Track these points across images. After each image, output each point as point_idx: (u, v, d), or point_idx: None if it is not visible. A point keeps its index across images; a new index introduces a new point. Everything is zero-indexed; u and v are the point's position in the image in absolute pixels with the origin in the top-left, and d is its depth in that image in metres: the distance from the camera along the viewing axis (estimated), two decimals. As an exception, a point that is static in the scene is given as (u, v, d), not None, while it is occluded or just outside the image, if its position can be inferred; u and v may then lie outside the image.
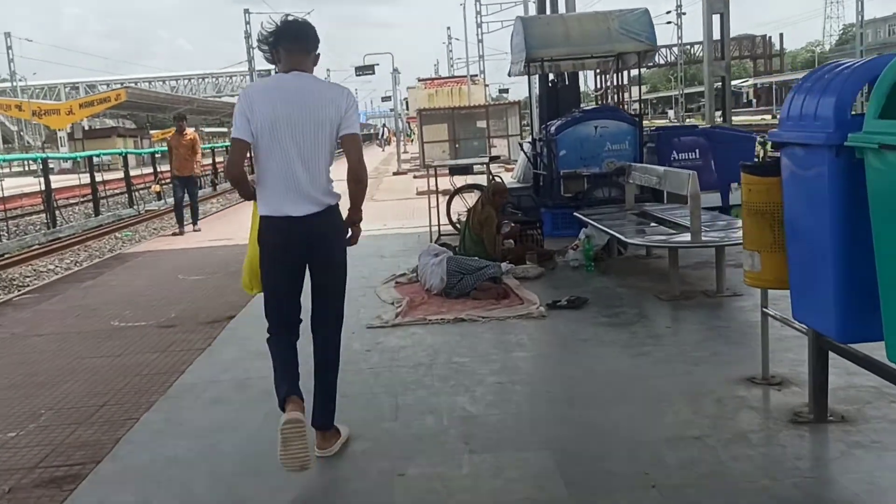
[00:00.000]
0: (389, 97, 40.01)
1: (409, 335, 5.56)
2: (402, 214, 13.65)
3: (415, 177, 24.32)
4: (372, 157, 46.62)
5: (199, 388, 4.74)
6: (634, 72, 10.99)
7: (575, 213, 7.99)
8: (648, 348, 4.95)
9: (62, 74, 71.06)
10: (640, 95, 9.72)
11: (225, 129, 74.61)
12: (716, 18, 12.10)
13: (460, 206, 10.53)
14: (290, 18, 3.55)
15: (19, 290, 9.69)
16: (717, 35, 12.08)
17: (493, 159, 10.16)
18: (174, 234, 12.85)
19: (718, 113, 12.21)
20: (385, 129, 61.95)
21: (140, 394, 4.68)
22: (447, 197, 10.51)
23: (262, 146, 3.35)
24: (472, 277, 6.56)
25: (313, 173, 3.36)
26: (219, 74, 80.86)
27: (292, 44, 3.47)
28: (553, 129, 9.57)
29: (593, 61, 10.24)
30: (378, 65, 28.60)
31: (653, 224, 7.18)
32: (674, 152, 9.61)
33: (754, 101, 70.83)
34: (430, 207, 9.52)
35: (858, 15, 49.39)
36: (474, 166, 9.60)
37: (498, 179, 10.05)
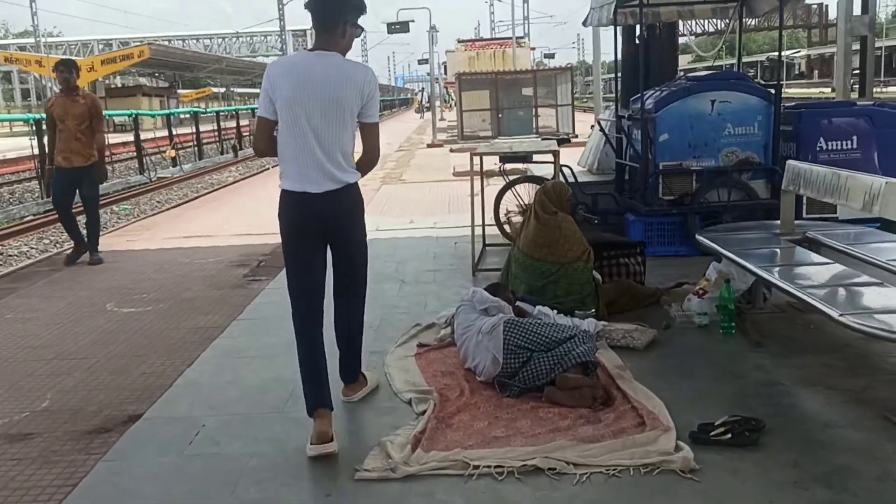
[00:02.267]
0: (426, 60, 36.99)
1: (434, 506, 2.90)
2: (435, 206, 10.89)
3: (451, 150, 21.48)
4: (407, 124, 43.76)
5: None
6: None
7: (700, 238, 5.17)
8: None
9: (103, 32, 69.39)
10: (780, 52, 6.78)
11: (257, 91, 72.37)
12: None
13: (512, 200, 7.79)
14: None
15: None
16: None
17: (563, 142, 7.40)
18: (67, 259, 7.71)
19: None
20: (424, 93, 58.40)
21: None
22: (496, 192, 7.75)
23: (282, 124, 3.36)
24: (546, 359, 3.83)
25: (331, 153, 3.36)
26: (253, 34, 78.51)
27: (317, 19, 3.41)
28: (650, 103, 6.73)
29: (706, 7, 7.32)
30: (413, 21, 25.49)
31: (836, 265, 4.39)
32: (821, 139, 6.74)
33: (806, 73, 66.50)
34: (472, 207, 6.75)
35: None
36: (534, 155, 6.83)
37: (567, 174, 7.25)
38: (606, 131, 7.66)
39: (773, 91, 6.69)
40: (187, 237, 9.08)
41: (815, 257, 4.66)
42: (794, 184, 5.02)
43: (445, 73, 40.87)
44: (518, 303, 4.65)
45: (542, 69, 27.87)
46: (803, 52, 66.28)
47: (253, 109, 40.65)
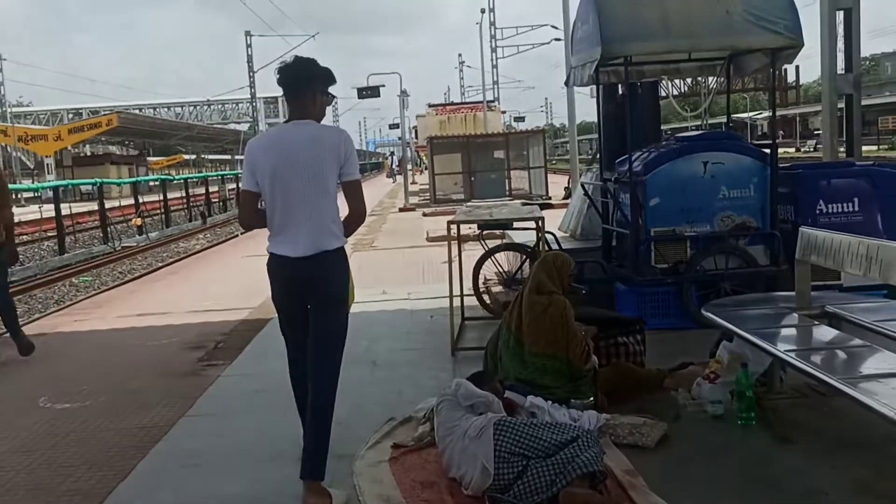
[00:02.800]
0: (398, 124, 36.92)
1: None
2: (409, 274, 10.31)
3: (424, 214, 21.02)
4: (378, 188, 43.44)
5: None
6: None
7: (707, 314, 4.63)
8: None
9: (73, 101, 69.23)
10: (773, 111, 6.39)
11: (228, 157, 71.90)
12: (839, 16, 8.90)
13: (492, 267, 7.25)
14: (285, 63, 3.59)
15: None
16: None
17: (545, 207, 6.95)
18: None
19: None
20: (394, 157, 58.16)
21: None
22: (474, 259, 7.20)
23: (266, 195, 3.52)
24: (546, 468, 3.21)
25: (313, 219, 3.47)
26: (224, 101, 78.66)
27: (290, 92, 3.55)
28: (639, 165, 6.28)
29: (692, 65, 6.96)
30: (384, 86, 25.25)
31: (864, 344, 3.86)
32: (821, 202, 6.32)
33: (769, 134, 67.90)
34: (450, 279, 6.18)
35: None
36: (514, 222, 6.32)
37: (551, 240, 6.73)
38: (590, 194, 7.19)
39: (767, 151, 6.28)
40: (141, 315, 8.39)
41: (840, 336, 4.14)
42: (809, 252, 4.51)
43: (416, 138, 40.85)
44: (507, 393, 4.05)
45: (514, 132, 27.71)
46: (765, 114, 67.65)
47: (223, 175, 40.27)
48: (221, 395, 5.21)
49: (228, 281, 10.74)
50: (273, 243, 3.57)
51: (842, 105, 9.02)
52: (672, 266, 6.25)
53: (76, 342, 7.17)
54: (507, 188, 23.95)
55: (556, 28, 42.74)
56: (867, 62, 74.87)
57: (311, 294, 3.55)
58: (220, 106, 79.92)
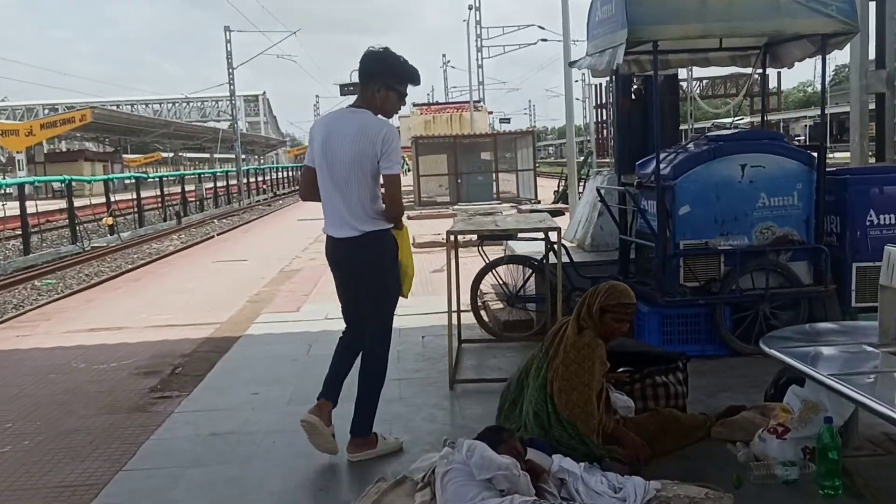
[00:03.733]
0: (381, 124, 35.87)
1: None
2: (396, 284, 9.41)
3: (409, 217, 20.11)
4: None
5: None
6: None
7: (770, 349, 3.75)
8: None
9: (50, 97, 67.86)
10: (822, 108, 5.58)
11: (207, 155, 70.48)
12: (871, 7, 8.13)
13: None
14: (365, 52, 3.74)
15: None
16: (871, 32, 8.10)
17: (556, 214, 6.10)
18: None
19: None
20: None
21: None
22: (472, 273, 6.33)
23: (317, 173, 3.74)
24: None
25: (350, 203, 3.64)
26: (203, 99, 77.38)
27: (359, 80, 3.76)
28: (667, 167, 5.43)
29: (723, 54, 6.12)
30: (367, 83, 24.16)
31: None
32: (871, 212, 5.50)
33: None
34: (448, 296, 5.26)
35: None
36: (520, 233, 5.47)
37: (560, 249, 5.85)
38: (608, 202, 6.32)
39: (814, 154, 5.45)
40: (93, 329, 7.43)
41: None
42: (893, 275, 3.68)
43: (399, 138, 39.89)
44: (528, 453, 3.18)
45: (503, 133, 26.81)
46: (747, 120, 67.41)
47: (200, 174, 39.15)
48: (171, 439, 4.28)
49: (196, 290, 9.80)
50: (324, 221, 3.80)
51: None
52: (704, 285, 5.41)
53: (11, 364, 6.20)
54: (496, 191, 23.10)
55: (543, 28, 42.29)
56: (846, 69, 75.07)
57: (350, 276, 3.76)
58: (199, 103, 78.64)
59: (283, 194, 44.80)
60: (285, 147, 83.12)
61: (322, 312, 7.63)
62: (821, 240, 5.42)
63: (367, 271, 3.70)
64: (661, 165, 5.44)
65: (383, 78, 3.65)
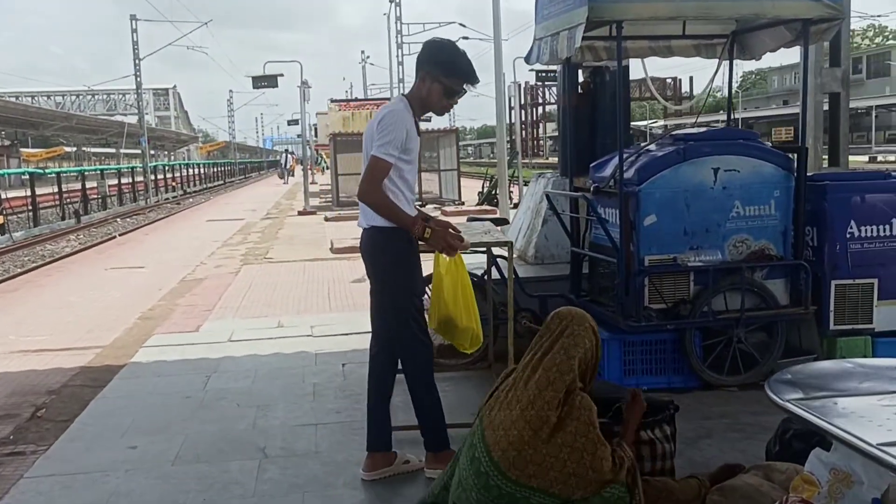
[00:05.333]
0: (296, 120, 34.45)
1: None
2: (312, 297, 8.41)
3: (327, 219, 19.07)
4: (274, 188, 40.90)
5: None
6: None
7: (786, 403, 2.98)
8: None
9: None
10: (803, 107, 4.89)
11: (113, 150, 67.09)
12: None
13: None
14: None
15: None
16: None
17: (500, 222, 5.33)
18: None
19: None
20: (288, 155, 54.62)
21: None
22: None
23: None
24: None
25: None
26: (110, 91, 73.97)
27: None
28: (630, 171, 4.66)
29: (686, 42, 5.41)
30: (282, 76, 22.88)
31: None
32: (852, 223, 4.89)
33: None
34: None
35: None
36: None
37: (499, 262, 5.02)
38: (559, 211, 5.52)
39: (793, 157, 4.80)
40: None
41: None
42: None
43: (316, 136, 38.52)
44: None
45: (425, 131, 26.01)
46: (660, 123, 68.69)
47: (103, 170, 36.76)
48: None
49: (79, 304, 8.57)
50: None
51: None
52: (672, 307, 4.68)
53: None
54: (417, 191, 22.22)
55: (465, 27, 41.80)
56: (753, 76, 77.70)
57: (367, 273, 3.63)
58: (105, 96, 75.04)
59: (194, 192, 42.74)
60: (197, 143, 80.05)
61: (226, 332, 6.64)
62: (800, 254, 4.78)
63: (371, 265, 3.55)
64: (630, 171, 4.68)
65: (427, 67, 3.41)
